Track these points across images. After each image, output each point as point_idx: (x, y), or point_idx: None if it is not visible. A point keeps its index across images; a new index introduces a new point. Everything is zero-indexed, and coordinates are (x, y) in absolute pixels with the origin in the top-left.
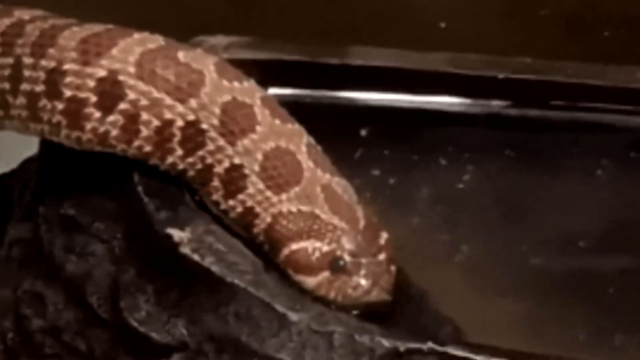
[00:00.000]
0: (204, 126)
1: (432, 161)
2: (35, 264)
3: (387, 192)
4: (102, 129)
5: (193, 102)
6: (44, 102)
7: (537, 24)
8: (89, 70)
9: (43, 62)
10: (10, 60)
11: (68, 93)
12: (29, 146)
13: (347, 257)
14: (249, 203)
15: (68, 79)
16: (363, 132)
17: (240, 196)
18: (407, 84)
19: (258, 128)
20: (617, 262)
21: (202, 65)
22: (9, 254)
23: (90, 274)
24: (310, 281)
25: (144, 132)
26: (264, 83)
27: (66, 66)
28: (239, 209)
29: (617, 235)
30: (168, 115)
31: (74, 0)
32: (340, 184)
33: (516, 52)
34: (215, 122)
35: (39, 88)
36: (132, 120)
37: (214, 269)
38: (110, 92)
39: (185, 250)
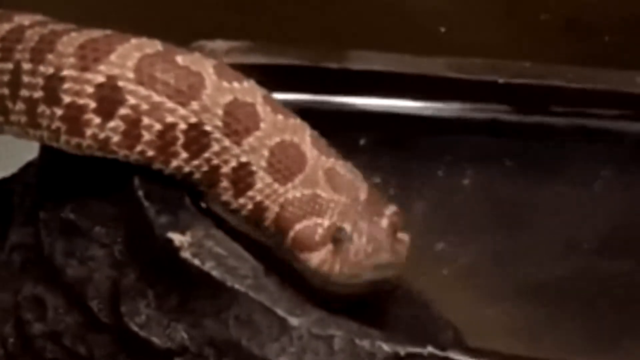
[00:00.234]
0: (208, 128)
1: (431, 166)
2: (36, 268)
3: (387, 195)
4: (102, 135)
5: (195, 105)
6: (42, 108)
7: (537, 29)
8: (87, 76)
9: (42, 68)
10: (9, 65)
11: (67, 99)
12: (30, 150)
13: (346, 226)
14: (258, 198)
15: (67, 85)
16: (362, 137)
17: (250, 193)
18: (407, 88)
19: (262, 125)
20: (617, 268)
21: (201, 68)
22: (9, 258)
23: (91, 278)
24: (314, 257)
25: (146, 136)
26: (264, 88)
27: (65, 72)
28: (250, 206)
29: (617, 242)
30: (170, 119)
31: (73, 6)
32: (344, 166)
33: (516, 57)
34: (219, 123)
35: (38, 94)
36: (133, 125)
37: (215, 273)
38: (109, 97)
39: (185, 254)
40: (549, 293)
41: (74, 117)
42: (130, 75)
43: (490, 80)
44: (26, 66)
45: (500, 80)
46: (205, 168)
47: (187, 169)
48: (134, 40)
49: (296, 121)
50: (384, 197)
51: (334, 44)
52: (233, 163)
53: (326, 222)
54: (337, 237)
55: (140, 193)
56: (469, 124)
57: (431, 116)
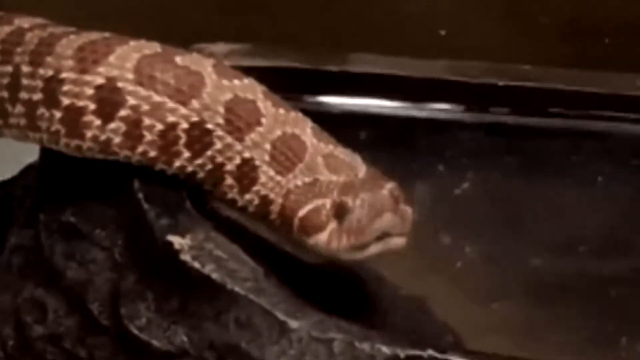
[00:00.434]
0: (210, 126)
1: (431, 169)
2: (36, 271)
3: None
4: (103, 137)
5: (195, 104)
6: (42, 110)
7: (537, 32)
8: (86, 78)
9: (41, 71)
10: (9, 68)
11: (66, 101)
12: (30, 153)
13: (347, 200)
14: (263, 192)
15: (66, 87)
16: (363, 139)
17: (255, 188)
18: (407, 91)
19: (263, 120)
20: (617, 267)
21: (201, 67)
22: (9, 261)
23: (91, 281)
24: (321, 237)
25: (148, 137)
26: None
27: (64, 74)
28: (256, 201)
29: (617, 242)
30: (171, 119)
31: (73, 9)
32: (343, 152)
33: (516, 60)
34: (221, 120)
35: (37, 96)
36: (134, 126)
37: (215, 276)
38: (109, 99)
39: (185, 257)
40: (549, 293)
41: (74, 120)
42: (130, 76)
43: (491, 83)
44: (25, 69)
45: (500, 83)
46: (209, 166)
47: (190, 169)
48: (132, 42)
49: (297, 114)
50: (384, 175)
51: (334, 46)
52: (237, 160)
53: (328, 202)
54: (339, 212)
55: (141, 196)
56: (469, 126)
57: (431, 118)
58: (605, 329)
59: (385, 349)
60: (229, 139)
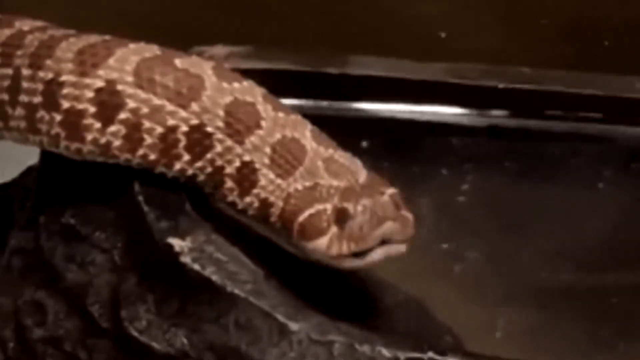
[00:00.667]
0: (209, 129)
1: (432, 171)
2: (36, 273)
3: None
4: (103, 140)
5: (195, 106)
6: (42, 113)
7: (537, 34)
8: (86, 81)
9: (41, 74)
10: (9, 71)
11: (66, 104)
12: (30, 155)
13: (348, 206)
14: (263, 195)
15: (65, 90)
16: (363, 142)
17: (255, 190)
18: (407, 94)
19: (263, 123)
20: (617, 272)
21: (200, 70)
22: (9, 263)
23: (91, 283)
24: (321, 242)
25: (148, 140)
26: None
27: (63, 77)
28: (256, 204)
29: (617, 246)
30: (171, 121)
31: (73, 12)
32: (344, 156)
33: (516, 62)
34: (220, 124)
35: (37, 99)
36: (134, 129)
37: (215, 278)
38: (109, 102)
39: (185, 259)
40: (549, 296)
41: (74, 123)
42: (129, 79)
43: (491, 85)
44: (25, 72)
45: (500, 86)
46: (209, 169)
47: (190, 172)
48: (132, 45)
49: (297, 117)
50: (385, 181)
51: (334, 49)
52: (236, 163)
53: (328, 207)
54: (340, 218)
55: (141, 198)
56: (470, 129)
57: (431, 121)
58: (604, 334)
59: (386, 352)
60: (228, 142)
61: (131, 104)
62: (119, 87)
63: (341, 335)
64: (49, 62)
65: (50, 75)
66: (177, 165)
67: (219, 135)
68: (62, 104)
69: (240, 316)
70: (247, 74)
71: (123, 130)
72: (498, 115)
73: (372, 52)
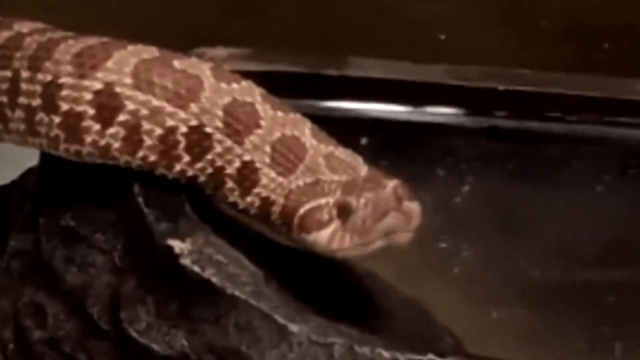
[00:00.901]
0: (209, 130)
1: (431, 173)
2: (36, 275)
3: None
4: (103, 142)
5: (194, 107)
6: (41, 116)
7: (536, 36)
8: (85, 83)
9: (39, 76)
10: (8, 73)
11: (65, 107)
12: (29, 157)
13: (350, 199)
14: (264, 194)
15: (64, 93)
16: (362, 144)
17: (256, 190)
18: (407, 95)
19: (262, 123)
20: (615, 273)
21: (199, 71)
22: (9, 265)
23: (91, 285)
24: (322, 235)
25: (147, 141)
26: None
27: (62, 80)
28: (257, 203)
29: (616, 247)
30: (170, 123)
31: (72, 14)
32: (344, 152)
33: (516, 64)
34: (220, 124)
35: (36, 102)
36: (133, 130)
37: (215, 280)
38: (108, 104)
39: (185, 261)
40: (547, 297)
41: (73, 125)
42: (128, 80)
43: (490, 87)
44: (24, 74)
45: (500, 88)
46: (209, 170)
47: (190, 173)
48: (130, 47)
49: (296, 116)
50: (387, 174)
51: (333, 51)
52: (237, 163)
53: (330, 201)
54: (342, 211)
55: (140, 200)
56: (469, 131)
57: (431, 123)
58: (602, 334)
59: (386, 353)
60: (228, 142)
61: (130, 105)
62: (118, 89)
63: (341, 337)
64: (47, 64)
65: (48, 78)
66: (177, 167)
67: (219, 136)
68: (61, 106)
69: (240, 318)
70: (246, 75)
71: (122, 132)
72: (497, 117)
73: (371, 54)
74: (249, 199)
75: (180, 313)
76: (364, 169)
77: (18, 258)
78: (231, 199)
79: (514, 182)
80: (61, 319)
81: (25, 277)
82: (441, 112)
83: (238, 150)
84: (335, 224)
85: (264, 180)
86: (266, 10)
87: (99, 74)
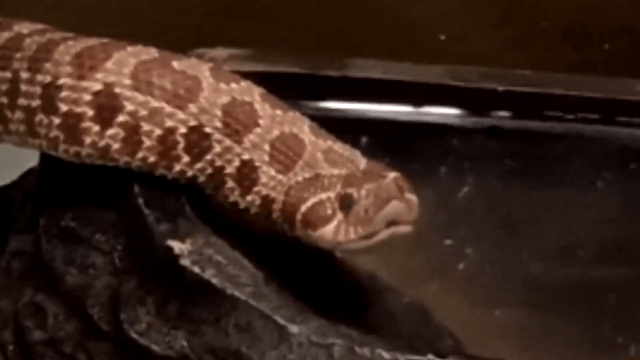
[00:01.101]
0: (208, 130)
1: (431, 174)
2: (36, 275)
3: None
4: (102, 143)
5: (193, 108)
6: (40, 117)
7: (536, 36)
8: (84, 84)
9: (39, 77)
10: (8, 74)
11: (64, 108)
12: (30, 158)
13: (352, 191)
14: (264, 192)
15: (64, 94)
16: (363, 145)
17: (256, 188)
18: (407, 96)
19: (261, 121)
20: (616, 272)
21: (198, 72)
22: (9, 265)
23: (91, 285)
24: (327, 230)
25: (147, 142)
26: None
27: (61, 80)
28: (258, 202)
29: (617, 246)
30: (169, 123)
31: (72, 15)
32: (343, 147)
33: (516, 64)
34: (219, 124)
35: (36, 103)
36: (133, 131)
37: (214, 281)
38: (107, 105)
39: (185, 262)
40: (549, 297)
41: (72, 126)
42: (127, 81)
43: (490, 87)
44: (24, 75)
45: (500, 88)
46: (209, 170)
47: (190, 173)
48: (130, 48)
49: (295, 114)
50: (385, 167)
51: (333, 51)
52: (236, 162)
53: (332, 195)
54: (344, 203)
55: (140, 201)
56: (469, 131)
57: (431, 123)
58: (603, 333)
59: (386, 354)
60: (227, 142)
61: (129, 106)
62: (117, 89)
63: (341, 338)
64: (47, 65)
65: (48, 79)
66: (177, 167)
67: (218, 136)
68: (60, 107)
69: (240, 319)
70: (247, 76)
71: (122, 133)
72: (497, 117)
73: (372, 55)
74: (249, 197)
75: (180, 314)
76: (363, 162)
77: (18, 258)
78: (232, 198)
79: (514, 183)
80: (61, 320)
81: (25, 278)
82: (441, 113)
83: (237, 149)
84: (339, 217)
85: (263, 179)
86: (266, 11)
87: (99, 75)
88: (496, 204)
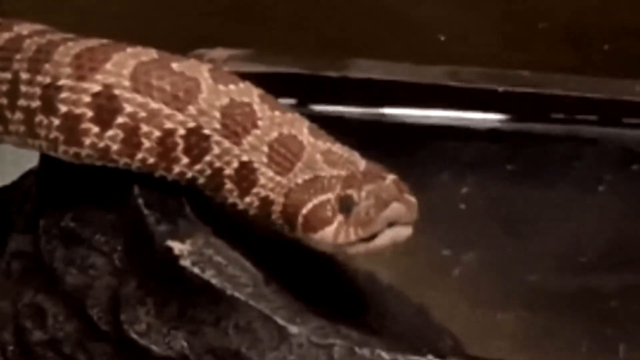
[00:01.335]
0: (207, 131)
1: (431, 175)
2: (36, 276)
3: None
4: (101, 144)
5: (192, 109)
6: (40, 118)
7: (536, 37)
8: (84, 85)
9: (39, 78)
10: (8, 75)
11: (64, 109)
12: (30, 159)
13: (351, 192)
14: (263, 193)
15: (63, 95)
16: (362, 146)
17: (255, 190)
18: (407, 97)
19: (260, 123)
20: (618, 275)
21: (197, 73)
22: (9, 266)
23: (91, 286)
24: (328, 232)
25: (146, 144)
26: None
27: (61, 82)
28: (256, 203)
29: (618, 249)
30: (168, 125)
31: (72, 16)
32: (342, 148)
33: (516, 65)
34: (217, 125)
35: (36, 104)
36: (132, 133)
37: (214, 281)
38: (106, 106)
39: (185, 263)
40: (549, 300)
41: (72, 127)
42: (126, 83)
43: (490, 88)
44: (24, 76)
45: (500, 89)
46: (208, 172)
47: (189, 174)
48: (129, 49)
49: (294, 115)
50: (384, 169)
51: (333, 52)
52: (235, 164)
53: (331, 196)
54: (344, 205)
55: (140, 201)
56: (470, 132)
57: (431, 124)
58: (604, 337)
59: (385, 355)
60: (226, 144)
61: (128, 108)
62: (116, 91)
63: (341, 339)
64: (47, 66)
65: (48, 80)
66: (176, 169)
67: (216, 137)
68: (60, 108)
69: (240, 319)
70: (246, 77)
71: (121, 135)
72: (498, 119)
73: (371, 56)
74: (248, 199)
75: (180, 314)
76: (362, 163)
77: (18, 259)
78: (230, 199)
79: (514, 184)
80: (61, 320)
81: (25, 279)
82: (441, 114)
83: (236, 150)
84: (339, 219)
85: (262, 180)
86: (266, 12)
87: (98, 76)
88: (497, 205)
